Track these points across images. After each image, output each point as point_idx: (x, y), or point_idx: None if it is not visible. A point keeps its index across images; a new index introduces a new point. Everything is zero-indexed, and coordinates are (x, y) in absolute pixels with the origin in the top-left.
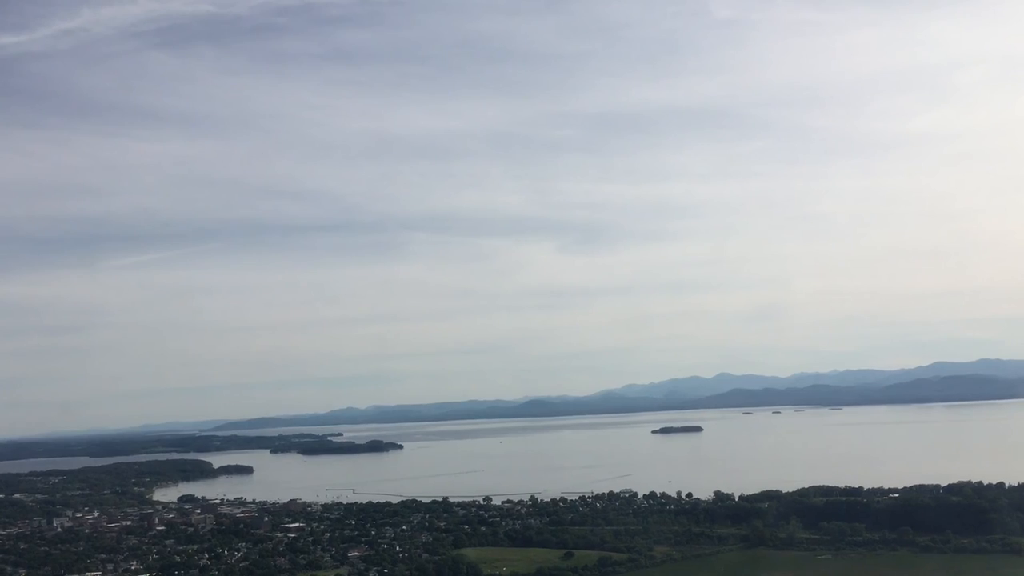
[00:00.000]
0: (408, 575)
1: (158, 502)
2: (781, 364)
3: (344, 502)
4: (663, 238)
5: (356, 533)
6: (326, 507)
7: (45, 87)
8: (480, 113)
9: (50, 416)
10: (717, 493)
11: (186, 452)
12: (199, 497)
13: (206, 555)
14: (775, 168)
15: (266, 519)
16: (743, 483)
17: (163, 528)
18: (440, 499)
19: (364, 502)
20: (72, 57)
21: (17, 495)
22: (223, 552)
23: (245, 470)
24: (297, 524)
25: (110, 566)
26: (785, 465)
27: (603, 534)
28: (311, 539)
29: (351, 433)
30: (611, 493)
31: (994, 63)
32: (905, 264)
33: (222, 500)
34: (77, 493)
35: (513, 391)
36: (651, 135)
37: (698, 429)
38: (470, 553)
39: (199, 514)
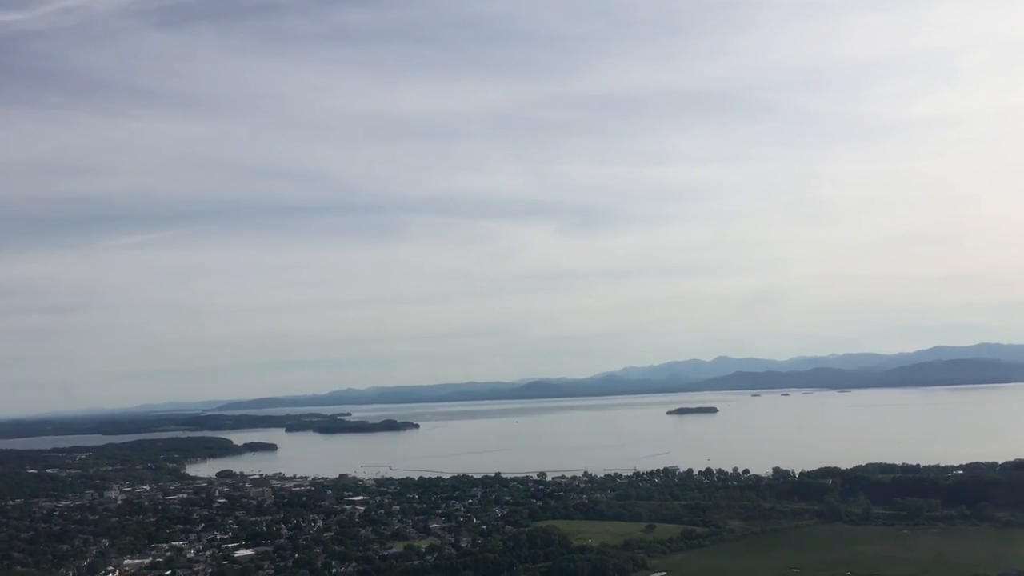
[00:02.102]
0: (501, 545)
1: (197, 477)
2: (780, 347)
3: (395, 478)
4: (663, 221)
5: (424, 506)
6: (379, 482)
7: (45, 66)
8: (481, 95)
9: (49, 395)
10: (776, 469)
11: (199, 430)
12: (237, 472)
13: (283, 525)
14: (776, 152)
15: (329, 492)
16: (788, 460)
17: (224, 501)
18: (492, 475)
19: (416, 478)
20: (72, 36)
21: (49, 470)
22: (300, 523)
23: (269, 447)
24: (361, 497)
25: (192, 536)
26: (822, 444)
27: (675, 508)
28: (381, 511)
29: (359, 413)
30: (666, 469)
31: (996, 48)
32: (904, 248)
33: (261, 475)
34: (109, 468)
35: (512, 373)
36: (652, 118)
37: (713, 410)
38: (560, 526)
39: (252, 488)
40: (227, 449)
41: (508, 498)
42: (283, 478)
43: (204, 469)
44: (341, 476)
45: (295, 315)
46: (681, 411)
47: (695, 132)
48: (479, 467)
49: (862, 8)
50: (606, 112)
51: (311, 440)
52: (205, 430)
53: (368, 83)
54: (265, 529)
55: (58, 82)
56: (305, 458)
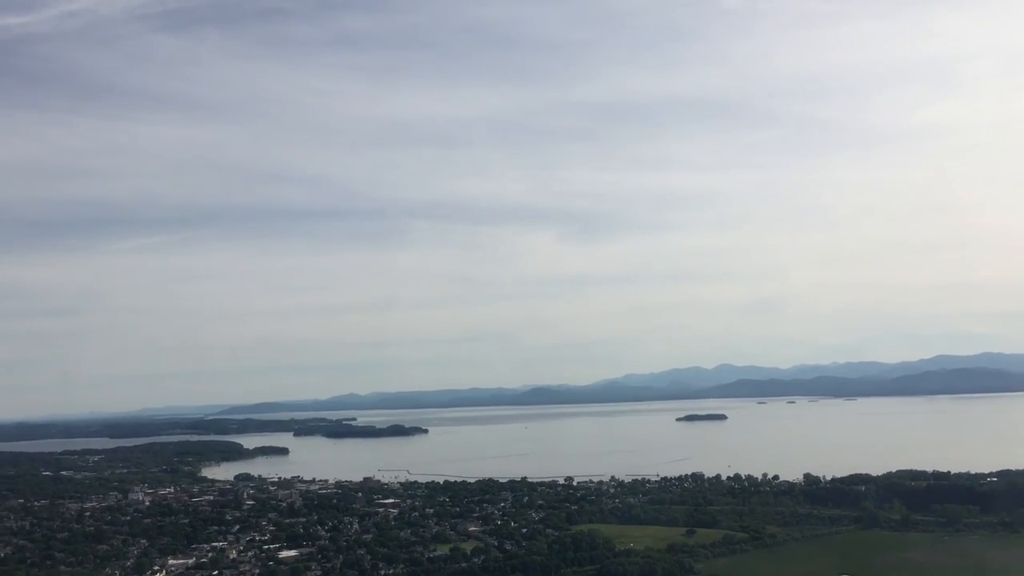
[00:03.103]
0: (547, 548)
1: (216, 479)
2: (781, 355)
3: (420, 481)
4: (664, 228)
5: (457, 509)
6: (404, 485)
7: (49, 68)
8: (483, 100)
9: (49, 398)
10: (807, 476)
11: (206, 434)
12: (255, 475)
13: (319, 527)
14: (778, 159)
15: (359, 495)
16: (812, 467)
17: (252, 503)
18: (519, 479)
19: (441, 482)
20: (77, 39)
21: (64, 472)
22: (337, 524)
23: (280, 451)
24: (391, 500)
25: (230, 537)
26: (842, 450)
27: (712, 513)
28: (415, 514)
29: (364, 418)
30: (694, 474)
31: (999, 56)
32: (906, 257)
33: (280, 478)
34: (124, 471)
35: (514, 379)
36: (654, 124)
37: (723, 417)
38: (601, 529)
39: (279, 490)
40: (239, 453)
41: (540, 502)
42: (303, 481)
43: (219, 472)
44: (366, 479)
45: (296, 319)
46: (690, 418)
47: (697, 139)
48: (499, 471)
49: (864, 17)
50: (608, 118)
51: (321, 444)
52: (211, 434)
53: (371, 88)
54: (302, 531)
55: (61, 85)
56: (319, 462)
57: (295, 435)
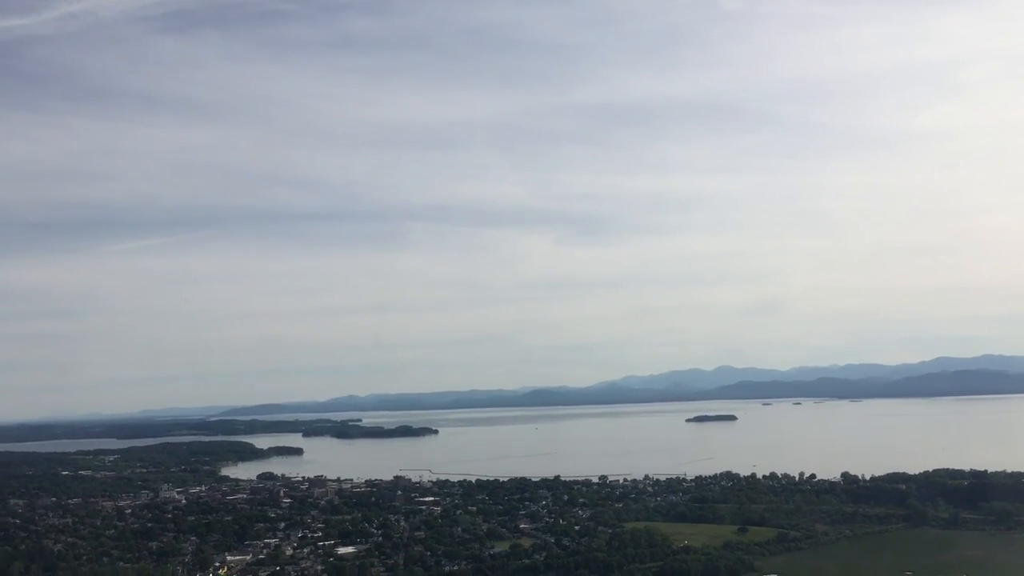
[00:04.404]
0: (606, 545)
1: (239, 479)
2: (780, 358)
3: (452, 480)
4: (664, 230)
5: (500, 507)
6: (437, 484)
7: (49, 70)
8: (483, 103)
9: (49, 400)
10: (845, 474)
11: (213, 435)
12: (278, 474)
13: (367, 524)
14: (777, 162)
15: (399, 493)
16: (840, 466)
17: (291, 501)
18: (552, 477)
19: (473, 480)
20: (77, 40)
21: (83, 472)
22: (386, 521)
23: (295, 451)
24: (431, 498)
25: (279, 534)
26: (869, 450)
27: (758, 512)
28: (459, 512)
29: (368, 419)
30: (728, 473)
31: (1000, 60)
32: (906, 260)
33: (305, 478)
34: (143, 470)
35: (513, 381)
36: (654, 127)
37: (732, 418)
38: (656, 527)
39: (310, 488)
40: (254, 453)
41: (583, 500)
42: (331, 480)
43: (239, 471)
44: (397, 478)
45: (295, 321)
46: (700, 419)
47: (696, 142)
48: (525, 470)
49: (864, 20)
50: (608, 121)
51: (332, 445)
52: (219, 435)
53: (371, 90)
54: (351, 527)
55: (61, 87)
56: (336, 462)
57: (304, 436)
